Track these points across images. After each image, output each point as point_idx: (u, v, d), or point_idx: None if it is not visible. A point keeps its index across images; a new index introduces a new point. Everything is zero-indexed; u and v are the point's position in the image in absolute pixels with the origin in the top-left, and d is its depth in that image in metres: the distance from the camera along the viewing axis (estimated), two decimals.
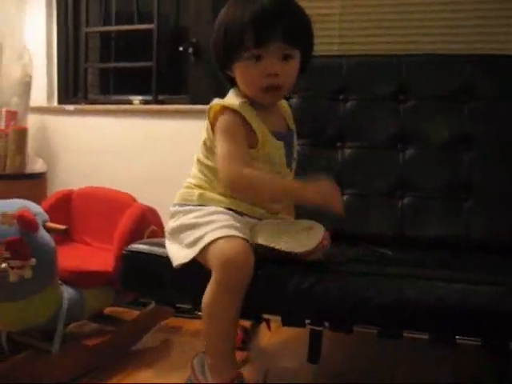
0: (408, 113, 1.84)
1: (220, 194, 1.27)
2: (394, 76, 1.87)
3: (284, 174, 1.31)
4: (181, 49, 2.52)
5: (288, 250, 1.13)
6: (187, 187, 1.33)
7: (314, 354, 1.67)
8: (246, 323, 2.04)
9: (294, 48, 1.21)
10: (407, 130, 1.82)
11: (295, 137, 1.37)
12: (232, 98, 1.27)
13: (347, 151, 1.84)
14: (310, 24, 1.25)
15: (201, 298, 1.16)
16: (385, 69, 1.90)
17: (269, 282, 1.17)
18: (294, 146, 1.34)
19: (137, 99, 2.65)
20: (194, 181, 1.32)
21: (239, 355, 1.94)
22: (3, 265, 1.48)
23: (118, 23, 2.85)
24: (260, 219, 1.28)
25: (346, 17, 2.19)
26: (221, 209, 1.24)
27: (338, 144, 1.85)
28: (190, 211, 1.26)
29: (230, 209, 1.25)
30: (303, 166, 1.78)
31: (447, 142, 1.78)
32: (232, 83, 1.30)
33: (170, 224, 1.31)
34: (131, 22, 2.78)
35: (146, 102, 2.62)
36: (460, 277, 1.14)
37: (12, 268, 1.49)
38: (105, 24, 2.87)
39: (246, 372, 1.79)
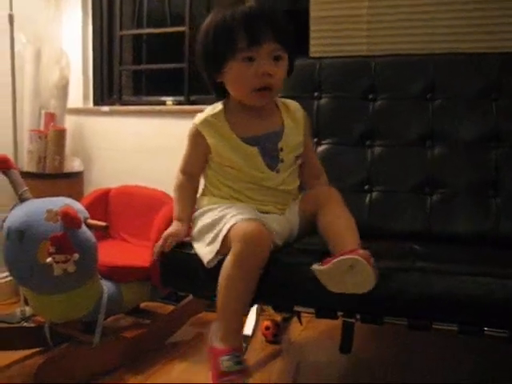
0: (436, 111, 1.85)
1: (222, 196, 1.34)
2: (422, 75, 1.88)
3: (268, 177, 1.30)
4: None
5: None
6: (200, 193, 1.41)
7: (346, 344, 1.69)
8: (278, 317, 2.08)
9: (284, 48, 1.24)
10: (436, 127, 1.83)
11: (287, 135, 1.34)
12: (207, 111, 1.34)
13: (376, 149, 1.86)
14: (290, 25, 1.29)
15: None
16: (413, 68, 1.91)
17: (302, 275, 1.20)
18: (281, 148, 1.32)
19: (169, 100, 2.71)
20: (203, 186, 1.41)
21: (271, 349, 2.00)
22: (48, 259, 1.55)
23: (149, 26, 2.92)
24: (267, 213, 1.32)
25: (373, 17, 2.20)
26: (231, 204, 1.29)
27: (368, 142, 1.87)
28: (205, 213, 1.32)
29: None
30: (334, 164, 1.85)
31: (475, 139, 1.79)
32: (218, 92, 1.33)
33: (192, 230, 1.37)
34: (163, 25, 2.84)
35: (178, 103, 2.68)
36: (487, 271, 1.16)
37: (57, 262, 1.56)
38: (137, 27, 2.94)
39: (278, 365, 1.87)
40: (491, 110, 1.80)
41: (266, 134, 1.31)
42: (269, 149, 1.30)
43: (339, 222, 1.23)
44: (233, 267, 1.15)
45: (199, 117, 1.34)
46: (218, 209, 1.29)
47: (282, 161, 1.30)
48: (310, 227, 1.32)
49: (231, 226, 1.18)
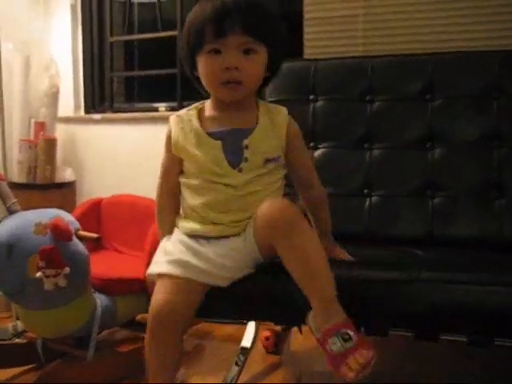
0: (436, 112, 1.82)
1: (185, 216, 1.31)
2: (421, 75, 1.85)
3: (228, 174, 1.23)
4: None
5: None
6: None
7: None
8: (278, 327, 2.04)
9: (255, 41, 1.18)
10: (435, 128, 1.81)
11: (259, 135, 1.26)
12: (185, 109, 1.32)
13: (375, 152, 1.83)
14: (276, 20, 1.25)
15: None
16: (411, 68, 1.88)
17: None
18: (246, 146, 1.24)
19: (162, 106, 2.68)
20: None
21: (271, 360, 1.96)
22: (38, 274, 1.51)
23: (140, 31, 2.89)
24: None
25: (369, 17, 2.17)
26: (181, 237, 1.26)
27: (366, 145, 1.84)
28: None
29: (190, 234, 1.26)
30: (331, 168, 1.83)
31: (477, 139, 1.76)
32: (203, 88, 1.29)
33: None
34: (154, 31, 2.81)
35: (171, 109, 2.65)
36: (496, 279, 1.13)
37: (47, 277, 1.52)
38: (128, 33, 2.92)
39: (279, 376, 1.83)
40: (492, 109, 1.76)
41: (233, 129, 1.25)
42: (232, 144, 1.23)
43: (306, 269, 1.12)
44: (149, 339, 1.20)
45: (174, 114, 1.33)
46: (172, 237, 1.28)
47: (246, 160, 1.22)
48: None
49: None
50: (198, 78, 1.26)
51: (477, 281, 1.12)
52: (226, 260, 1.20)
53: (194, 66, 1.25)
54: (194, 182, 1.26)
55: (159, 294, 1.18)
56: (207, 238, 1.23)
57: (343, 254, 1.32)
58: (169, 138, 1.29)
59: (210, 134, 1.25)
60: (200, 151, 1.23)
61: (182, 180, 1.30)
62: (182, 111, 1.31)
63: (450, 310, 1.10)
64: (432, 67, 1.84)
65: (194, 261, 1.19)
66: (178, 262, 1.19)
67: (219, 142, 1.23)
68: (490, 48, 1.97)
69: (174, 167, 1.31)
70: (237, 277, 1.21)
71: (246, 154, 1.22)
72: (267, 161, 1.24)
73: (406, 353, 2.01)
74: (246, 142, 1.22)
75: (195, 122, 1.26)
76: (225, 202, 1.23)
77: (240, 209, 1.23)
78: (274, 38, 1.22)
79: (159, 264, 1.23)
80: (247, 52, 1.18)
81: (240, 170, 1.22)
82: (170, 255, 1.22)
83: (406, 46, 2.11)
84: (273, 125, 1.27)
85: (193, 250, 1.21)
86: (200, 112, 1.29)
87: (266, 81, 1.29)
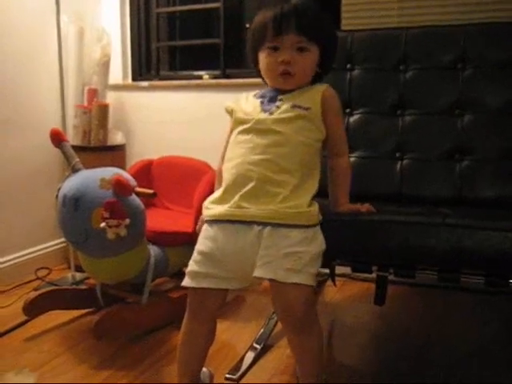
0: (466, 80, 1.89)
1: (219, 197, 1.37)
2: (452, 45, 1.92)
3: (260, 117, 1.35)
4: (247, 25, 2.64)
5: None
6: None
7: (380, 297, 1.78)
8: None
9: (308, 41, 1.35)
10: (465, 96, 1.88)
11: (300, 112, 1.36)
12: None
13: (407, 118, 1.92)
14: (328, 23, 1.44)
15: None
16: (443, 38, 1.95)
17: (339, 231, 1.30)
18: (280, 99, 1.38)
19: (206, 74, 2.80)
20: None
21: None
22: (102, 224, 1.66)
23: (182, 3, 3.00)
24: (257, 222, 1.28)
25: None
26: (206, 226, 1.36)
27: (399, 111, 1.94)
28: (204, 222, 1.41)
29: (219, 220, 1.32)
30: (366, 133, 1.94)
31: (504, 107, 1.83)
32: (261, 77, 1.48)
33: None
34: (198, 2, 2.91)
35: (214, 77, 2.77)
36: None
37: (110, 227, 1.66)
38: (172, 4, 3.03)
39: None
40: None
41: (275, 89, 1.42)
42: (270, 99, 1.40)
43: (304, 362, 1.37)
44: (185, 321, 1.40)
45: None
46: (201, 237, 1.37)
47: (278, 107, 1.36)
48: None
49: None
50: (259, 71, 1.45)
51: (496, 227, 1.24)
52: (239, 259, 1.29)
53: (256, 61, 1.44)
54: (234, 134, 1.40)
55: (190, 299, 1.37)
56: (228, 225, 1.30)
57: (366, 208, 1.40)
58: (227, 110, 1.47)
59: (256, 96, 1.44)
60: (245, 106, 1.42)
61: (231, 138, 1.43)
62: (241, 95, 1.49)
63: (471, 252, 1.21)
64: (463, 38, 1.91)
65: (211, 270, 1.31)
66: (194, 273, 1.34)
67: (259, 99, 1.41)
68: None
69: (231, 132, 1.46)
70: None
71: (279, 103, 1.38)
72: (294, 106, 1.35)
73: (430, 308, 2.15)
74: (280, 96, 1.39)
75: (251, 95, 1.45)
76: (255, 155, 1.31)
77: (267, 180, 1.28)
78: (325, 38, 1.39)
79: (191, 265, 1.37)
80: (301, 50, 1.36)
81: (271, 113, 1.36)
82: (193, 265, 1.35)
83: (439, 17, 2.16)
84: (310, 91, 1.41)
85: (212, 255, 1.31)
86: (257, 93, 1.46)
87: (319, 77, 1.44)
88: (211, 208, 1.34)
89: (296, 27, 1.34)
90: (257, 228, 1.26)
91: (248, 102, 1.43)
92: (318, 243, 1.28)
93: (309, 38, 1.35)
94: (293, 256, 1.23)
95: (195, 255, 1.35)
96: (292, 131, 1.32)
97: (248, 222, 1.26)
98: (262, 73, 1.44)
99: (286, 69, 1.35)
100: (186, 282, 1.34)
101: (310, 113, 1.34)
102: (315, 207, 1.30)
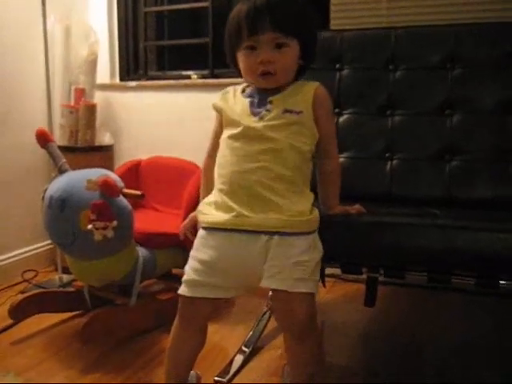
0: (455, 80, 1.89)
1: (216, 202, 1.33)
2: (442, 45, 1.92)
3: (250, 122, 1.31)
4: None
5: None
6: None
7: (370, 298, 1.77)
8: None
9: (285, 36, 1.29)
10: (455, 96, 1.88)
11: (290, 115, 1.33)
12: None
13: (397, 118, 1.92)
14: (304, 14, 1.35)
15: None
16: (432, 38, 1.95)
17: (329, 233, 1.28)
18: (270, 101, 1.33)
19: (194, 74, 2.78)
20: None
21: None
22: (89, 226, 1.65)
23: (170, 2, 2.98)
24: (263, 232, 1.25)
25: None
26: (205, 234, 1.32)
27: (388, 111, 1.93)
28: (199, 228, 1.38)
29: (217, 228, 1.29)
30: (355, 133, 1.92)
31: (494, 106, 1.83)
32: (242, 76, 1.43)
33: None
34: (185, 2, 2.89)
35: (202, 77, 2.75)
36: (504, 227, 1.24)
37: (97, 229, 1.65)
38: (159, 3, 3.01)
39: None
40: (510, 78, 1.83)
41: (264, 89, 1.37)
42: (259, 101, 1.35)
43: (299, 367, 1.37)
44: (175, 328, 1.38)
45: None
46: (197, 242, 1.34)
47: (269, 111, 1.32)
48: None
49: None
50: (239, 71, 1.39)
51: (486, 228, 1.24)
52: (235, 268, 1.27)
53: (235, 61, 1.38)
54: (225, 135, 1.36)
55: (181, 308, 1.35)
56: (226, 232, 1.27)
57: (356, 209, 1.40)
58: (215, 107, 1.41)
59: (244, 94, 1.39)
60: (234, 107, 1.37)
61: (221, 139, 1.39)
62: (229, 88, 1.44)
63: (461, 253, 1.21)
64: (453, 38, 1.91)
65: (211, 279, 1.28)
66: (193, 282, 1.30)
67: (248, 99, 1.36)
68: (508, 19, 2.02)
69: (218, 129, 1.42)
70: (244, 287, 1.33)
71: (269, 107, 1.33)
72: (286, 111, 1.32)
73: (420, 307, 2.15)
74: (271, 98, 1.34)
75: (238, 91, 1.40)
76: (248, 157, 1.29)
77: (261, 184, 1.26)
78: (303, 31, 1.33)
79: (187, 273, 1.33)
80: (279, 46, 1.30)
81: (261, 118, 1.31)
82: (191, 274, 1.31)
83: (428, 18, 2.17)
84: (301, 91, 1.37)
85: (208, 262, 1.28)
86: (244, 88, 1.42)
87: (302, 69, 1.40)
88: (209, 214, 1.30)
89: (271, 24, 1.27)
90: (264, 237, 1.23)
91: (236, 100, 1.38)
92: (319, 249, 1.28)
93: (286, 33, 1.29)
94: (301, 265, 1.22)
95: (194, 264, 1.30)
96: (284, 137, 1.29)
97: (255, 232, 1.23)
98: (243, 73, 1.38)
99: (265, 69, 1.30)
100: (183, 290, 1.31)
101: (301, 117, 1.31)
102: (316, 213, 1.28)
